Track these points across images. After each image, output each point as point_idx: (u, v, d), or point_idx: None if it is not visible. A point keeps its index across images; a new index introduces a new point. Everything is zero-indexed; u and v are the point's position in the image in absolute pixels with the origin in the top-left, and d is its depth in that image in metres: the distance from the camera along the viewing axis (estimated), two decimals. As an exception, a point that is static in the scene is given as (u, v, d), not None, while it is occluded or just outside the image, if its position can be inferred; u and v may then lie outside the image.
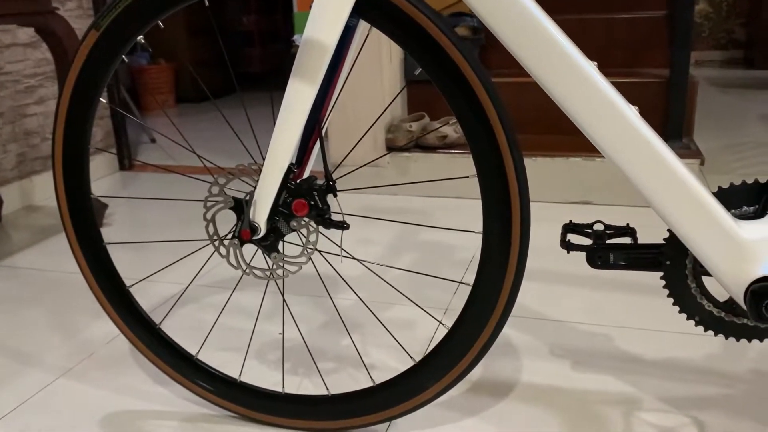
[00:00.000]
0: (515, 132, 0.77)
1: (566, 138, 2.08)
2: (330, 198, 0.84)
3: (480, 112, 0.76)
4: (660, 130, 1.98)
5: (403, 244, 1.67)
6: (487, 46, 2.37)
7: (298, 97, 0.77)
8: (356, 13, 0.76)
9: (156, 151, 2.84)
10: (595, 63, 0.72)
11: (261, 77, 4.85)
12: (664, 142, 0.72)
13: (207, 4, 0.81)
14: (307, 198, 0.81)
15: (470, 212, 1.91)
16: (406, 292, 1.39)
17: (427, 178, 2.06)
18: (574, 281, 1.43)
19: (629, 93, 2.03)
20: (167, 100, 3.94)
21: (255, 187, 0.83)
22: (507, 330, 1.23)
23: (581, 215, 1.83)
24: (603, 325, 1.24)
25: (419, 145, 2.08)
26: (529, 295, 1.37)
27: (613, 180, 1.86)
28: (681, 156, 1.83)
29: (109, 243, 0.97)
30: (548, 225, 1.77)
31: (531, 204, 1.92)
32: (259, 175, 0.82)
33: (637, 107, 0.73)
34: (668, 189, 0.71)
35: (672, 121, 1.87)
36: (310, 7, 0.76)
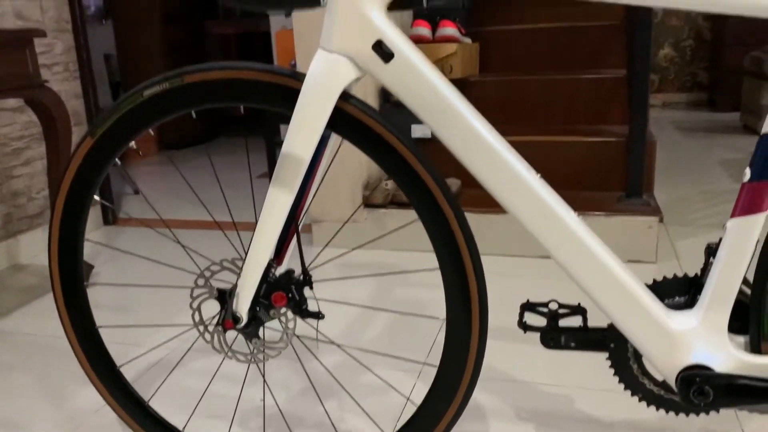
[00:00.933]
0: (471, 231, 0.86)
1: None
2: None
3: (440, 215, 0.84)
4: (622, 186, 2.11)
5: (380, 302, 1.75)
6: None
7: (277, 203, 0.85)
8: (329, 127, 0.85)
9: (140, 202, 2.90)
10: (539, 174, 0.81)
11: (243, 121, 4.98)
12: (600, 243, 0.81)
13: (194, 115, 0.90)
14: (285, 291, 0.89)
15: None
16: (384, 350, 1.47)
17: (404, 232, 2.14)
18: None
19: (592, 151, 2.16)
20: (151, 148, 4.01)
21: (238, 280, 0.90)
22: (475, 392, 1.30)
23: (547, 269, 1.92)
24: (566, 386, 1.32)
25: (395, 201, 2.17)
26: (496, 354, 1.45)
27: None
28: (641, 213, 1.95)
29: (102, 326, 1.03)
30: (517, 280, 1.86)
31: (502, 259, 2.01)
32: (242, 269, 0.90)
33: (578, 213, 0.82)
34: (605, 287, 0.80)
35: (632, 179, 1.98)
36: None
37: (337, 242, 2.20)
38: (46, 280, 2.02)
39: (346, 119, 0.85)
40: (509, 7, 2.93)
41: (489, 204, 2.07)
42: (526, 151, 2.20)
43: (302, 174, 0.84)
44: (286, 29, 2.80)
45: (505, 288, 1.80)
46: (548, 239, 0.80)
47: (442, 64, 2.43)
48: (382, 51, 0.79)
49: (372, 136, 0.84)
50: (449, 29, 2.41)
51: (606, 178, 2.16)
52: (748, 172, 0.75)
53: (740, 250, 0.77)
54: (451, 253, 0.86)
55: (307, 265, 0.91)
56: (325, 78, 0.81)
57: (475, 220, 2.05)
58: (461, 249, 0.85)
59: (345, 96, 0.83)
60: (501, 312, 1.64)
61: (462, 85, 2.47)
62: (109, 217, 2.58)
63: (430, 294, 1.79)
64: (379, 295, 1.80)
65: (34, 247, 2.23)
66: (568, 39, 2.60)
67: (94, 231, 2.51)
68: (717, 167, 3.10)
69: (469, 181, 2.28)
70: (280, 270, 0.94)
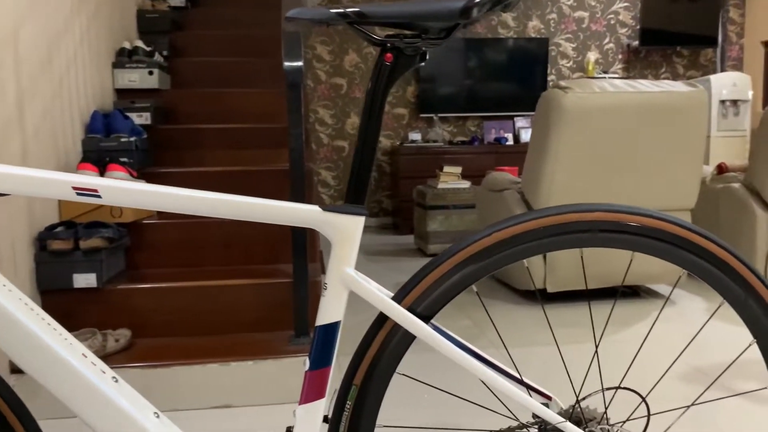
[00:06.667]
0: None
1: (210, 339, 2.15)
2: None
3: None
4: (292, 325, 2.19)
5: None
6: (132, 248, 2.39)
7: None
8: None
9: None
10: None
11: None
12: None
13: None
14: None
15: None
16: None
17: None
18: None
19: (266, 293, 2.22)
20: None
21: None
22: None
23: (224, 419, 1.87)
24: None
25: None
26: None
27: (249, 383, 1.96)
28: (304, 352, 2.03)
29: None
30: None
31: (175, 414, 1.90)
32: None
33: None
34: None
35: (298, 319, 2.07)
36: None
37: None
38: None
39: None
40: (188, 150, 2.98)
41: (159, 357, 1.97)
42: (201, 296, 2.19)
43: None
44: None
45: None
46: None
47: (111, 207, 2.34)
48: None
49: None
50: (118, 173, 2.35)
51: (280, 318, 2.23)
52: (307, 361, 0.82)
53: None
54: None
55: None
56: None
57: (144, 374, 1.92)
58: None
59: None
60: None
61: (134, 228, 2.40)
62: None
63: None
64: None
65: None
66: (245, 181, 2.72)
67: None
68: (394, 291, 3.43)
69: (141, 332, 2.16)
70: None
